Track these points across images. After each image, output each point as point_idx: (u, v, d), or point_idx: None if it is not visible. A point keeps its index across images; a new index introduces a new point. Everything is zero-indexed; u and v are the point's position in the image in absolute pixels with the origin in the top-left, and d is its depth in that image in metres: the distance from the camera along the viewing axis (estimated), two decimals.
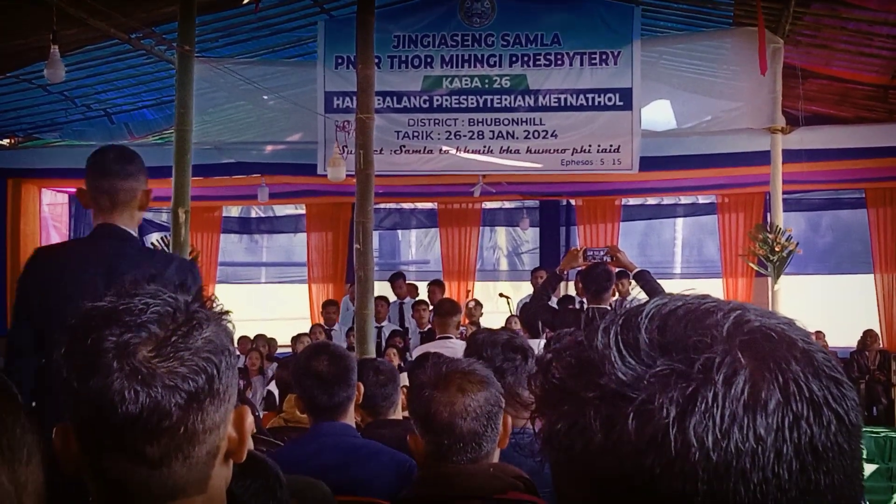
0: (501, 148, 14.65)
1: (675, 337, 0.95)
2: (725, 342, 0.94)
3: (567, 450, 0.97)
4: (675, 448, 0.89)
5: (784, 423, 0.91)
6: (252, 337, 16.54)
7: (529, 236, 21.03)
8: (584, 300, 9.54)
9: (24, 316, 4.59)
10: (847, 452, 0.95)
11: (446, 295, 16.18)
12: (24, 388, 4.25)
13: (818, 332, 16.19)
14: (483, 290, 19.59)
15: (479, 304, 15.92)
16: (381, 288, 15.59)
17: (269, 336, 16.77)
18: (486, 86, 14.66)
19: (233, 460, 1.70)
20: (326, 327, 15.98)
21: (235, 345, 1.72)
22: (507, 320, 13.92)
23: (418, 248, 22.37)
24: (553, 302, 10.01)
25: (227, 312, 1.70)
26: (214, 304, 1.69)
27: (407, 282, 17.13)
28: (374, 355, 10.75)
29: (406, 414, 4.99)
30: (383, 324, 14.93)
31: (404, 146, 14.74)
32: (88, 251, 4.68)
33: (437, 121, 14.75)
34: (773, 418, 0.90)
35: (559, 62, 14.52)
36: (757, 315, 0.98)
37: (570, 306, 11.97)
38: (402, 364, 11.43)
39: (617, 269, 8.57)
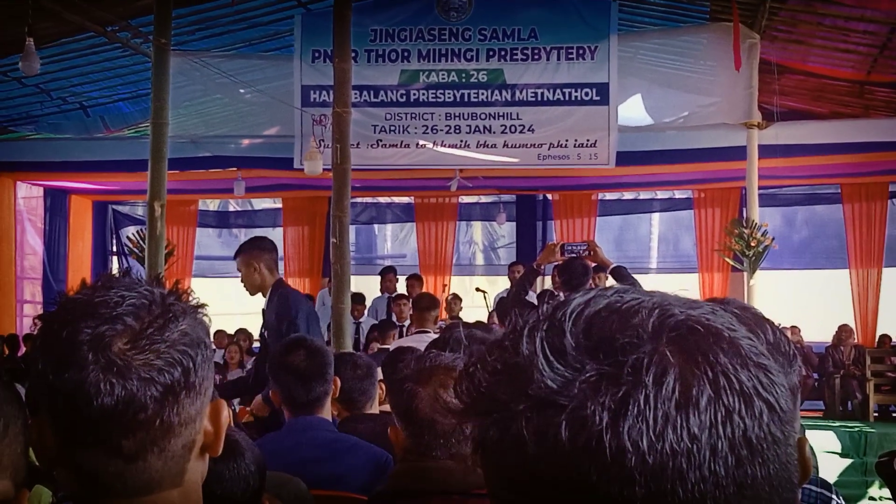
0: (478, 142, 14.66)
1: (601, 338, 0.94)
2: (652, 340, 0.92)
3: (500, 456, 0.96)
4: (611, 453, 0.88)
5: (717, 419, 0.90)
6: (232, 331, 16.50)
7: (506, 231, 21.06)
8: (561, 295, 9.54)
9: None
10: (780, 440, 0.94)
11: (423, 289, 16.17)
12: None
13: (794, 328, 16.28)
14: (459, 285, 19.60)
15: (458, 299, 15.92)
16: (357, 283, 15.57)
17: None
18: (463, 80, 14.66)
19: (209, 454, 1.70)
20: None
21: (212, 338, 1.72)
22: (489, 317, 13.91)
23: (394, 242, 22.35)
24: (532, 297, 10.02)
25: (202, 305, 1.69)
26: (190, 298, 1.68)
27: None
28: (350, 350, 10.75)
29: (383, 408, 4.99)
30: (361, 319, 14.92)
31: (381, 140, 14.72)
32: None
33: (413, 115, 14.74)
34: (706, 415, 0.89)
35: (536, 57, 14.54)
36: (681, 307, 0.97)
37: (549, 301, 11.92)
38: None
39: (593, 265, 8.57)
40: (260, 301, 7.50)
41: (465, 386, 1.01)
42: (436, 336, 8.31)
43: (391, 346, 10.05)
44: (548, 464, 0.91)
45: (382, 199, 21.33)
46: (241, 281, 7.39)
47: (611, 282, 9.53)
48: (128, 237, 15.10)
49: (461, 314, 15.31)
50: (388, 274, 16.64)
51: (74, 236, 19.85)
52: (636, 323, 0.95)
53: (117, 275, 1.67)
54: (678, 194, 20.06)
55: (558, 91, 14.53)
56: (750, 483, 0.91)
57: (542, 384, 0.92)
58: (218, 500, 2.71)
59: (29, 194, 18.97)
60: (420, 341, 7.98)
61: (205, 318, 1.68)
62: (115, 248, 21.44)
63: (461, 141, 14.71)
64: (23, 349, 15.33)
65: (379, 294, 16.37)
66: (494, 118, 14.65)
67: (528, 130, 14.57)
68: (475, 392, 0.99)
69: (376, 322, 14.66)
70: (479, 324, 7.99)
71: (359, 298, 14.95)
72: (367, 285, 16.86)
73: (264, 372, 5.70)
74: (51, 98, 16.60)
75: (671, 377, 0.90)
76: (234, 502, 2.78)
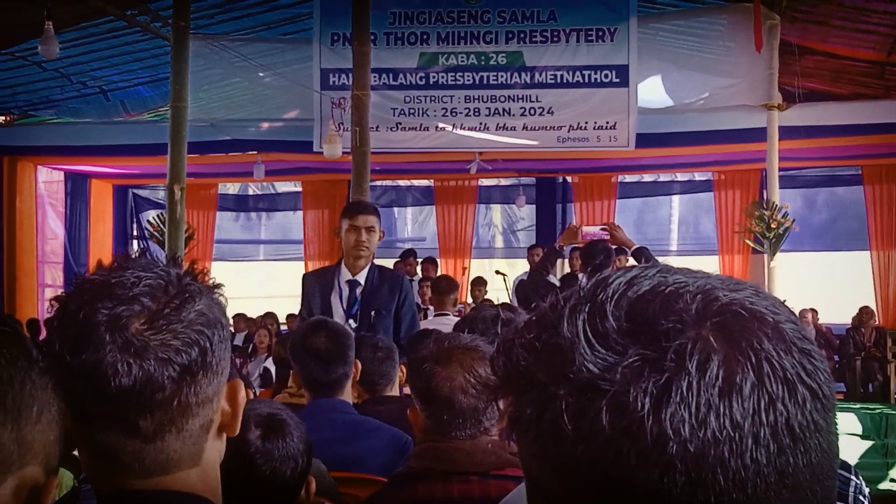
0: (498, 125, 14.63)
1: (644, 322, 0.94)
2: (696, 325, 0.92)
3: (536, 436, 0.95)
4: (652, 439, 0.88)
5: (760, 406, 0.89)
6: (257, 316, 16.49)
7: (525, 213, 21.04)
8: (584, 278, 9.49)
9: None
10: (823, 428, 0.94)
11: (441, 272, 16.17)
12: None
13: (811, 310, 16.23)
14: (479, 268, 19.58)
15: (481, 281, 15.80)
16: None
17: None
18: (483, 63, 14.62)
19: (226, 434, 1.70)
20: None
21: (229, 319, 1.72)
22: (511, 300, 13.89)
23: (414, 225, 22.34)
24: (552, 279, 10.00)
25: (219, 286, 1.69)
26: (207, 278, 1.68)
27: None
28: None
29: (405, 391, 4.99)
30: None
31: (400, 123, 14.71)
32: None
33: (433, 98, 14.71)
34: (749, 402, 0.89)
35: (555, 39, 14.48)
36: (725, 290, 0.97)
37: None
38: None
39: (614, 247, 8.55)
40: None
41: (503, 361, 1.01)
42: (456, 319, 8.34)
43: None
44: (586, 447, 0.91)
45: (402, 182, 21.34)
46: (364, 243, 6.51)
47: (632, 263, 9.50)
48: (148, 221, 15.12)
49: (484, 298, 15.25)
50: (408, 258, 16.62)
51: (95, 220, 19.93)
52: (680, 308, 0.94)
53: (134, 255, 1.67)
54: (698, 176, 20.02)
55: (578, 73, 14.48)
56: (791, 471, 0.91)
57: (584, 367, 0.92)
58: (266, 480, 2.73)
59: (50, 178, 19.04)
60: (440, 324, 8.02)
61: (221, 299, 1.68)
62: (135, 232, 21.52)
63: (480, 124, 14.68)
64: (44, 333, 15.37)
65: None
66: (514, 101, 14.61)
67: (548, 113, 14.53)
68: (513, 369, 0.99)
69: None
70: (504, 305, 7.97)
71: None
72: (402, 269, 16.84)
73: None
74: (71, 82, 16.61)
75: (715, 364, 0.90)
76: (283, 482, 2.78)
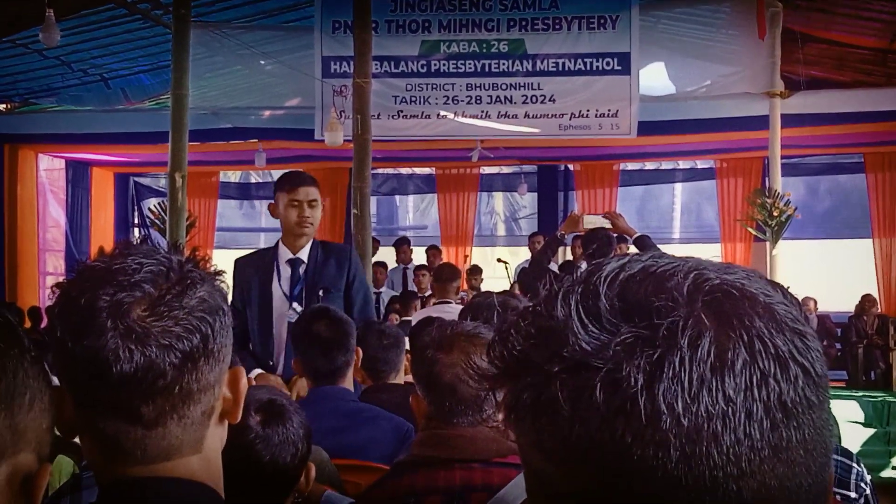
0: (499, 113, 14.63)
1: (636, 302, 0.94)
2: (688, 304, 0.93)
3: (534, 420, 0.96)
4: (646, 415, 0.89)
5: (752, 382, 0.90)
6: None
7: (527, 201, 21.06)
8: (584, 265, 9.52)
9: None
10: (815, 405, 0.94)
11: (444, 260, 16.19)
12: None
13: (809, 298, 16.23)
14: (481, 256, 19.63)
15: (478, 271, 15.88)
16: (382, 254, 15.62)
17: None
18: (484, 50, 14.61)
19: (228, 420, 1.71)
20: None
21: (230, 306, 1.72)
22: (510, 287, 13.92)
23: (416, 213, 22.39)
24: (554, 267, 10.01)
25: (220, 273, 1.70)
26: (208, 265, 1.68)
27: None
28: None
29: (408, 379, 4.99)
30: (382, 289, 14.95)
31: (402, 111, 14.71)
32: None
33: (434, 86, 14.71)
34: (741, 378, 0.90)
35: (557, 27, 14.47)
36: (716, 272, 0.98)
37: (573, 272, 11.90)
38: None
39: (615, 235, 8.55)
40: None
41: (499, 350, 1.01)
42: (458, 306, 8.34)
43: (412, 318, 10.07)
44: (582, 426, 0.92)
45: (403, 170, 21.34)
46: (309, 219, 5.91)
47: (634, 251, 9.51)
48: (149, 209, 15.13)
49: (481, 286, 15.27)
50: (402, 245, 16.70)
51: (97, 208, 19.95)
52: (671, 286, 0.95)
53: (135, 243, 1.67)
54: (700, 164, 20.02)
55: (579, 61, 14.48)
56: (785, 446, 0.92)
57: (577, 346, 0.93)
58: (266, 467, 2.73)
59: (51, 166, 19.04)
60: (443, 312, 8.01)
61: (223, 286, 1.68)
62: (136, 220, 21.53)
63: (482, 111, 14.68)
64: (46, 321, 15.41)
65: (395, 265, 16.43)
66: (515, 88, 14.61)
67: (550, 101, 14.53)
68: (509, 356, 0.99)
69: (396, 294, 14.69)
70: (507, 293, 7.96)
71: (381, 264, 15.03)
72: (389, 256, 16.88)
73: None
74: (72, 70, 16.61)
75: (706, 340, 0.91)
76: (283, 468, 2.79)
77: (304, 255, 5.94)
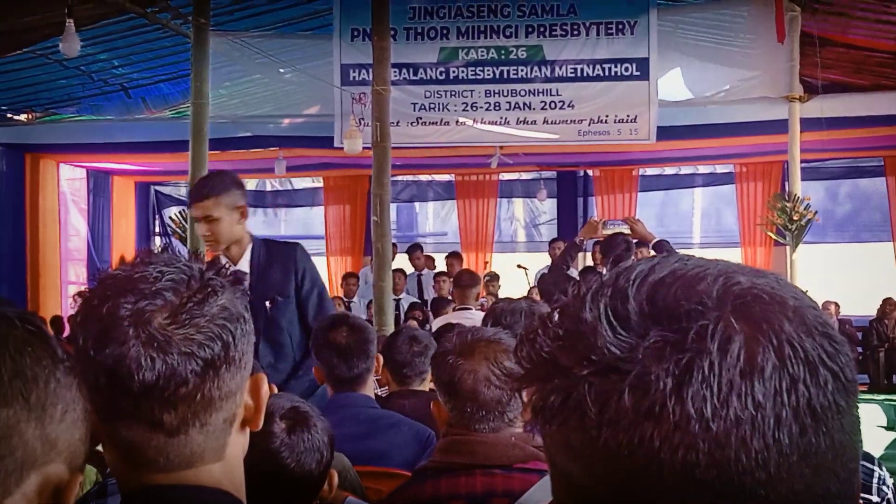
0: (518, 119, 14.64)
1: (665, 305, 0.94)
2: (717, 308, 0.92)
3: (561, 423, 0.96)
4: (674, 419, 0.89)
5: (781, 387, 0.90)
6: None
7: (547, 207, 21.02)
8: (605, 270, 9.53)
9: None
10: (844, 410, 0.94)
11: (464, 266, 16.19)
12: None
13: (830, 302, 16.17)
14: (500, 262, 19.60)
15: (495, 278, 15.89)
16: (399, 261, 15.63)
17: None
18: (503, 57, 14.62)
19: (249, 428, 1.71)
20: (346, 299, 16.02)
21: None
22: (529, 291, 13.91)
23: (436, 220, 22.40)
24: (573, 273, 10.00)
25: (241, 280, 1.70)
26: (229, 273, 1.69)
27: (424, 253, 17.16)
28: (392, 327, 10.75)
29: (432, 386, 5.00)
30: (401, 296, 14.96)
31: (421, 118, 14.73)
32: None
33: (453, 92, 14.72)
34: (771, 383, 0.89)
35: (575, 32, 14.47)
36: (745, 276, 0.97)
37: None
38: None
39: (635, 240, 8.54)
40: None
41: (527, 351, 1.01)
42: (478, 313, 8.34)
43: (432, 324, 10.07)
44: (610, 430, 0.91)
45: (423, 177, 21.36)
46: (211, 233, 5.37)
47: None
48: (170, 217, 15.15)
49: (500, 292, 15.27)
50: (414, 251, 16.73)
51: (118, 217, 20.02)
52: (701, 290, 0.95)
53: (156, 251, 1.68)
54: (720, 169, 19.99)
55: (598, 66, 14.47)
56: (814, 451, 0.91)
57: (606, 350, 0.93)
58: (292, 474, 2.73)
59: (72, 176, 19.11)
60: (463, 318, 8.00)
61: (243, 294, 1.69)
62: (157, 229, 21.59)
63: (501, 118, 14.69)
64: (68, 330, 15.44)
65: (410, 271, 16.46)
66: (534, 94, 14.61)
67: (568, 106, 14.53)
68: (536, 357, 0.99)
69: (416, 301, 14.70)
70: (526, 298, 7.95)
71: (400, 271, 15.05)
72: (409, 263, 16.89)
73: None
74: (92, 80, 16.66)
75: (736, 344, 0.90)
76: (308, 475, 2.78)
77: (244, 264, 5.48)
